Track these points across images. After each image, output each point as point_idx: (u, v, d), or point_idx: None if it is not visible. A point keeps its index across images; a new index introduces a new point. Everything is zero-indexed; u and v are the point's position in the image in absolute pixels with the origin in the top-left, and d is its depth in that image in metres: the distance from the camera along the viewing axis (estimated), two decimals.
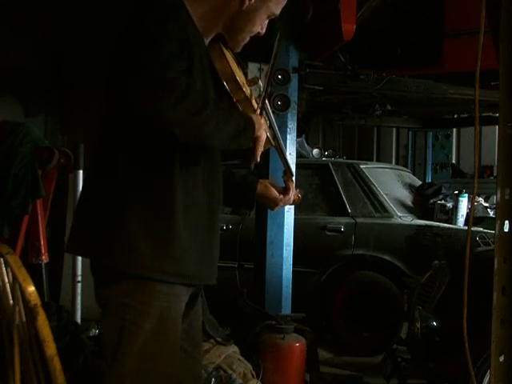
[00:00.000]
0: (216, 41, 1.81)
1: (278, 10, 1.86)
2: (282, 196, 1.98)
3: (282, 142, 1.97)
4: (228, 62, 1.76)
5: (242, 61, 1.92)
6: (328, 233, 5.12)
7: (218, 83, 1.75)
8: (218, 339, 3.59)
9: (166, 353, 1.69)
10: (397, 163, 9.00)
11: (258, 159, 1.76)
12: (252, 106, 1.79)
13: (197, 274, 1.75)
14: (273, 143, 1.88)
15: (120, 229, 1.64)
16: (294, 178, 2.03)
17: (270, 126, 1.89)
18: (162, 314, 1.66)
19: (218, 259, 1.86)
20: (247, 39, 1.85)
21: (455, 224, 4.98)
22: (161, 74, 1.52)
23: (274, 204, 2.01)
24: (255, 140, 1.72)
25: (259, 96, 1.87)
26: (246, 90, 1.79)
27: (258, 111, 1.79)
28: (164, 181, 1.67)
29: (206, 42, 1.81)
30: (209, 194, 1.77)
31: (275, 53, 1.87)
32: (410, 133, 8.61)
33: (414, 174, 6.80)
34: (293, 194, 1.99)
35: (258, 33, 1.86)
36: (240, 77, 1.79)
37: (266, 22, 1.87)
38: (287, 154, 4.21)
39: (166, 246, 1.66)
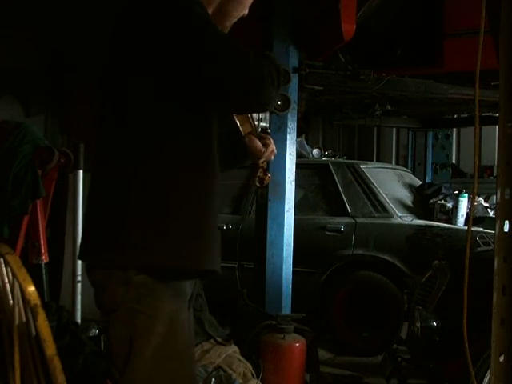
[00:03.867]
0: None
1: None
2: (264, 148, 1.97)
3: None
4: None
5: None
6: (328, 233, 5.12)
7: None
8: (218, 339, 3.59)
9: (177, 356, 1.68)
10: (397, 163, 9.01)
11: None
12: None
13: (214, 260, 1.73)
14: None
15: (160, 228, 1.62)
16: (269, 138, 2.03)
17: None
18: (171, 317, 1.65)
19: None
20: (233, 22, 1.83)
21: (455, 224, 4.98)
22: (234, 55, 1.56)
23: (257, 157, 1.98)
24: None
25: None
26: None
27: None
28: (202, 174, 1.68)
29: None
30: (216, 178, 1.77)
31: None
32: (410, 133, 8.62)
33: (413, 174, 6.80)
34: (272, 147, 1.99)
35: (244, 14, 1.83)
36: None
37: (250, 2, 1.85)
38: (287, 153, 4.21)
39: (197, 240, 1.66)
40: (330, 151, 6.29)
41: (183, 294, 1.71)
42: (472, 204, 1.89)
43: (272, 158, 2.00)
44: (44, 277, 3.91)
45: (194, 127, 1.66)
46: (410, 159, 8.76)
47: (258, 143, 1.95)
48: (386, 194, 5.21)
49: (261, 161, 1.96)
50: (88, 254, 1.73)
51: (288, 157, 4.22)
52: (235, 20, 1.81)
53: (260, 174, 2.01)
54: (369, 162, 6.04)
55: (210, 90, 1.60)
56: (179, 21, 1.57)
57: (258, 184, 2.03)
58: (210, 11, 1.76)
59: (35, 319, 1.79)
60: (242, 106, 1.70)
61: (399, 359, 3.44)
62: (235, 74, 1.56)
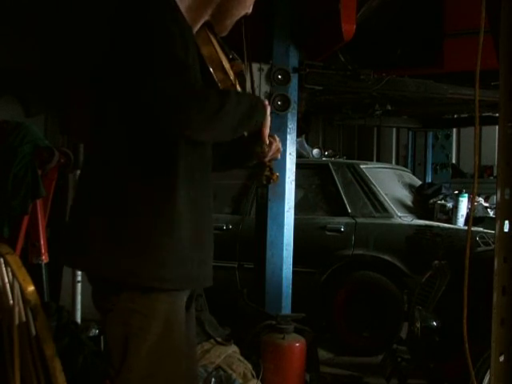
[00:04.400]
0: (201, 27, 1.76)
1: None
2: (268, 148, 1.90)
3: None
4: (216, 48, 1.72)
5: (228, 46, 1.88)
6: (328, 233, 5.11)
7: (205, 70, 1.71)
8: (218, 339, 3.60)
9: (173, 356, 1.67)
10: (397, 163, 9.01)
11: (267, 141, 1.78)
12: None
13: (197, 278, 1.73)
14: None
15: (118, 239, 1.60)
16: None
17: None
18: (167, 317, 1.65)
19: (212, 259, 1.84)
20: (234, 22, 1.81)
21: (455, 224, 4.97)
22: (178, 81, 1.49)
23: (262, 155, 1.91)
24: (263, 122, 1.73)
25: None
26: (231, 75, 1.76)
27: None
28: (167, 187, 1.63)
29: (194, 31, 1.75)
30: (204, 194, 1.75)
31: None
32: (410, 133, 8.62)
33: (413, 174, 6.80)
34: (277, 145, 1.93)
35: (246, 13, 1.82)
36: (225, 63, 1.75)
37: (253, 1, 1.82)
38: (287, 153, 4.21)
39: (171, 254, 1.63)
40: (330, 151, 6.29)
41: (180, 295, 1.70)
42: (472, 204, 1.89)
43: (278, 156, 1.96)
44: (44, 277, 3.91)
45: (153, 154, 1.63)
46: (410, 159, 8.76)
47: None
48: (386, 194, 5.21)
49: (266, 159, 1.91)
50: (69, 261, 1.77)
51: (288, 157, 4.22)
52: (236, 18, 1.80)
53: (267, 172, 1.97)
54: (369, 162, 6.03)
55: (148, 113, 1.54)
56: (138, 37, 1.54)
57: (264, 182, 2.01)
58: (209, 11, 1.75)
59: (35, 319, 1.79)
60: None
61: (399, 359, 3.44)
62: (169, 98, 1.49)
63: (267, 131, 1.75)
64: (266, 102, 1.74)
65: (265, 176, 1.99)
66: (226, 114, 1.56)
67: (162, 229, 1.62)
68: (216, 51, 1.72)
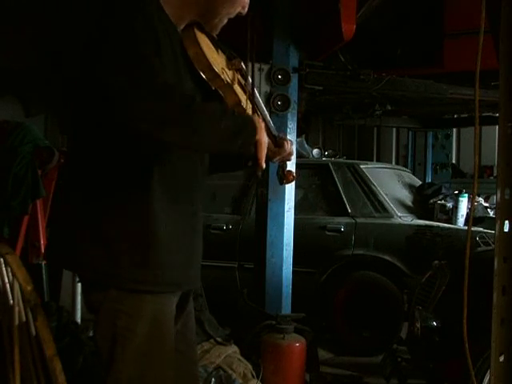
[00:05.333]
0: (189, 26, 1.70)
1: None
2: (276, 149, 1.80)
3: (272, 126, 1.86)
4: (202, 48, 1.65)
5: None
6: (328, 233, 5.11)
7: (195, 72, 1.67)
8: (218, 339, 3.60)
9: (162, 356, 1.66)
10: (397, 163, 9.01)
11: (264, 165, 1.64)
12: (234, 91, 1.70)
13: (182, 281, 1.71)
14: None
15: (99, 241, 1.59)
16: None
17: (258, 109, 1.80)
18: (154, 317, 1.63)
19: (200, 261, 1.81)
20: (225, 21, 1.77)
21: (455, 224, 4.97)
22: (136, 75, 1.46)
23: (270, 156, 1.79)
24: (256, 144, 1.61)
25: (245, 78, 1.78)
26: (227, 75, 1.70)
27: (249, 105, 1.71)
28: (142, 188, 1.60)
29: (180, 29, 1.71)
30: (189, 195, 1.73)
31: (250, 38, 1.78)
32: (410, 133, 8.62)
33: (413, 174, 6.80)
34: (288, 149, 1.83)
35: (240, 13, 1.77)
36: (218, 63, 1.69)
37: (248, 0, 1.77)
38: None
39: (149, 255, 1.61)
40: (330, 151, 6.29)
41: (168, 294, 1.68)
42: (472, 204, 1.88)
43: (290, 159, 1.87)
44: (44, 277, 3.91)
45: (126, 153, 1.60)
46: (410, 159, 8.77)
47: (269, 143, 1.81)
48: (386, 194, 5.21)
49: (274, 160, 1.81)
50: (56, 261, 1.76)
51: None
52: (226, 17, 1.75)
53: (280, 172, 1.90)
54: (369, 162, 6.03)
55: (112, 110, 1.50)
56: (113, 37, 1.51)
57: (279, 183, 1.96)
58: (194, 9, 1.71)
59: (35, 319, 1.79)
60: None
61: (399, 359, 3.44)
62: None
63: (263, 155, 1.63)
64: (262, 125, 1.65)
65: (278, 176, 1.92)
66: (192, 116, 1.50)
67: (136, 230, 1.60)
68: (202, 51, 1.65)
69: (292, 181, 1.92)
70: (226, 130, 1.56)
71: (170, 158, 1.66)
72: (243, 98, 1.73)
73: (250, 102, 1.75)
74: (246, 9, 1.78)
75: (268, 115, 1.87)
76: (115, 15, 1.54)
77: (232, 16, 1.76)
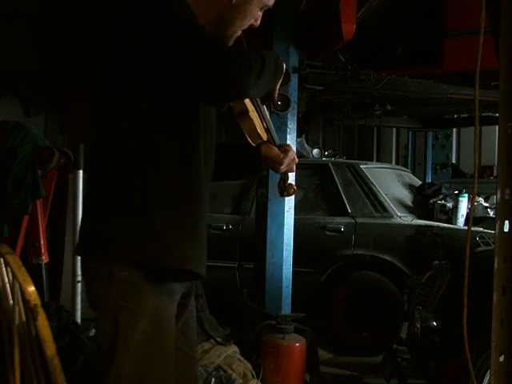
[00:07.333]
0: None
1: (271, 1, 1.79)
2: (283, 154, 1.88)
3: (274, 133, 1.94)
4: None
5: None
6: (328, 233, 5.12)
7: None
8: (218, 339, 3.60)
9: (163, 353, 1.66)
10: (397, 163, 9.01)
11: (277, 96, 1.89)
12: (242, 101, 1.76)
13: (199, 261, 1.72)
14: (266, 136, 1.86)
15: (149, 227, 1.63)
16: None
17: (263, 118, 1.88)
18: (155, 314, 1.64)
19: None
20: (239, 33, 1.81)
21: (455, 224, 4.98)
22: (207, 48, 1.56)
23: (278, 163, 1.88)
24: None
25: None
26: None
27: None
28: (192, 174, 1.67)
29: None
30: (205, 181, 1.76)
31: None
32: (410, 133, 8.62)
33: (413, 174, 6.80)
34: (292, 153, 1.90)
35: (252, 25, 1.81)
36: None
37: (260, 14, 1.81)
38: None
39: (196, 237, 1.68)
40: (330, 151, 6.30)
41: (170, 291, 1.70)
42: (472, 204, 1.89)
43: (294, 168, 1.92)
44: (44, 277, 3.91)
45: (179, 132, 1.66)
46: (410, 159, 8.77)
47: (276, 150, 1.88)
48: (386, 194, 5.21)
49: (281, 167, 1.87)
50: (79, 248, 1.75)
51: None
52: (239, 30, 1.79)
53: (281, 184, 1.95)
54: (369, 162, 6.04)
55: (193, 79, 1.58)
56: (165, 22, 1.58)
57: (279, 195, 2.00)
58: (208, 20, 1.73)
59: (35, 319, 1.79)
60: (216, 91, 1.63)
61: (399, 359, 3.44)
62: (214, 63, 1.56)
63: (278, 87, 1.87)
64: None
65: (279, 187, 1.96)
66: (268, 68, 1.68)
67: (187, 215, 1.67)
68: None
69: (292, 194, 1.97)
70: (270, 70, 1.75)
71: (205, 149, 1.73)
72: (250, 107, 1.79)
73: (257, 112, 1.85)
74: (259, 22, 1.82)
75: (273, 126, 1.94)
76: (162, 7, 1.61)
77: (245, 28, 1.81)
